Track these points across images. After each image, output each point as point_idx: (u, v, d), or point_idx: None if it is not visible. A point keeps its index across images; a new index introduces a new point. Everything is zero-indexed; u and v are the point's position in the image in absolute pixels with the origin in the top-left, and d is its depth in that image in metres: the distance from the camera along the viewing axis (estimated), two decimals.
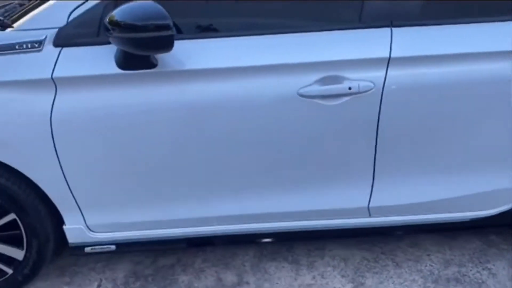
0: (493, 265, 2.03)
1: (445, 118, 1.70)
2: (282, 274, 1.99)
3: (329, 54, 1.63)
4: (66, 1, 1.61)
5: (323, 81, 1.62)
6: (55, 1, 1.63)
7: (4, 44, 1.57)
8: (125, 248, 1.87)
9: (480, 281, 1.94)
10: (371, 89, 1.63)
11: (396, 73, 1.64)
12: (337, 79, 1.63)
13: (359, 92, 1.63)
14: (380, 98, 1.65)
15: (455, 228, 2.08)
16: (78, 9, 1.58)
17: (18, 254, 1.81)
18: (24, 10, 1.82)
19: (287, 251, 2.13)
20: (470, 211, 1.91)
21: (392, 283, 1.93)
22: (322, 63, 1.62)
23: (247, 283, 1.94)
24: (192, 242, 1.92)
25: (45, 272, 1.98)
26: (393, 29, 1.65)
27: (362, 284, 1.93)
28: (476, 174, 1.82)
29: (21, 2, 2.16)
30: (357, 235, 2.09)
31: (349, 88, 1.62)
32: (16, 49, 1.57)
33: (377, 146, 1.72)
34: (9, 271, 1.84)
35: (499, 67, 1.65)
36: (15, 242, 1.80)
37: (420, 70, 1.64)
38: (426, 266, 2.03)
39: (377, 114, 1.67)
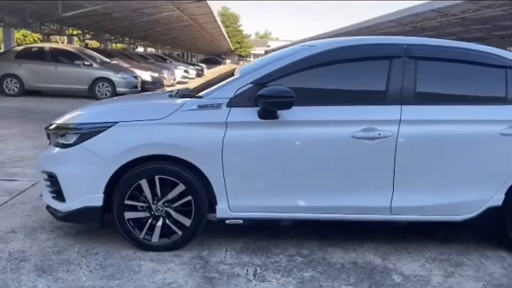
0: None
1: (434, 153, 3.11)
2: None
3: (370, 116, 3.10)
4: (233, 83, 3.16)
5: (365, 130, 3.08)
6: (227, 81, 3.19)
7: (203, 104, 3.09)
8: (247, 223, 3.19)
9: None
10: (390, 135, 3.08)
11: (404, 128, 3.09)
12: (372, 129, 3.08)
13: (384, 137, 3.07)
14: (396, 141, 3.08)
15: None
16: (240, 88, 3.12)
17: (187, 222, 3.15)
18: (201, 85, 3.39)
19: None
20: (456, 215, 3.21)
21: None
22: (366, 121, 3.09)
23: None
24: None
25: (192, 243, 3.26)
26: (402, 106, 3.14)
27: None
28: (457, 189, 3.16)
29: (188, 88, 3.75)
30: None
31: (379, 134, 3.07)
32: (209, 107, 3.09)
33: (395, 167, 3.11)
34: (180, 233, 3.16)
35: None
36: (186, 214, 3.14)
37: (417, 127, 3.10)
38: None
39: (394, 149, 3.09)
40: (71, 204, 3.11)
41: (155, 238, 3.15)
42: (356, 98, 3.23)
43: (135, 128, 3.08)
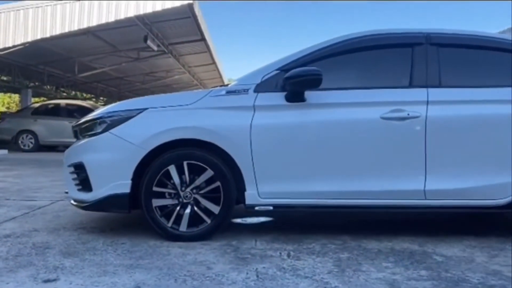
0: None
1: (464, 133, 3.07)
2: None
3: (398, 98, 3.11)
4: (260, 70, 3.22)
5: (394, 111, 3.07)
6: (257, 69, 3.25)
7: (231, 90, 3.13)
8: (277, 209, 3.09)
9: None
10: (419, 116, 3.06)
11: (431, 108, 3.08)
12: (401, 110, 3.07)
13: (413, 117, 3.06)
14: (425, 121, 3.06)
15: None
16: (267, 74, 3.17)
17: (215, 209, 3.06)
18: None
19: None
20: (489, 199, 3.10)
21: None
22: (394, 102, 3.09)
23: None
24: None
25: (219, 236, 3.16)
26: (428, 88, 3.15)
27: None
28: (490, 171, 3.08)
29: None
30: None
31: (408, 114, 3.06)
32: (236, 93, 3.12)
33: (426, 148, 3.06)
34: (208, 220, 3.06)
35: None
36: (215, 201, 3.06)
37: (441, 107, 3.09)
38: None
39: (424, 130, 3.06)
40: (98, 192, 3.06)
41: (183, 226, 3.05)
42: (383, 82, 3.26)
43: (164, 114, 3.09)
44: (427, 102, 3.10)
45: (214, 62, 21.54)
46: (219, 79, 27.13)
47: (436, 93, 3.13)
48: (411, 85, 3.19)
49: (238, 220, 3.83)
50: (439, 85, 3.17)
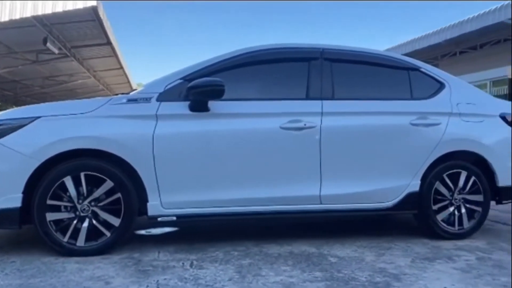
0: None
1: (355, 142, 3.33)
2: None
3: (296, 109, 3.27)
4: (162, 79, 3.20)
5: (292, 121, 3.23)
6: (158, 79, 3.22)
7: (132, 98, 3.08)
8: (180, 219, 3.08)
9: None
10: (315, 126, 3.26)
11: (325, 119, 3.29)
12: (299, 121, 3.24)
13: (310, 127, 3.24)
14: (320, 131, 3.26)
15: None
16: (169, 84, 3.16)
17: (115, 221, 2.97)
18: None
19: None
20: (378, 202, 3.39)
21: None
22: (292, 113, 3.25)
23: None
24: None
25: (122, 245, 3.07)
26: (323, 100, 3.37)
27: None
28: (379, 176, 3.36)
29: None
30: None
31: (305, 124, 3.24)
32: (138, 101, 3.07)
33: (321, 155, 3.26)
34: (108, 233, 2.96)
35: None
36: (115, 213, 2.97)
37: (335, 118, 3.32)
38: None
39: (319, 139, 3.26)
40: None
41: (81, 241, 2.91)
42: (283, 94, 3.40)
43: (60, 122, 2.95)
44: (322, 113, 3.31)
45: (121, 67, 20.79)
46: (127, 84, 26.23)
47: (330, 105, 3.35)
48: (307, 97, 3.38)
49: (142, 232, 3.76)
50: (333, 98, 3.40)
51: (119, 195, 2.97)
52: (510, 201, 3.74)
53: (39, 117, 2.94)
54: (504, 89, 11.86)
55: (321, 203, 3.30)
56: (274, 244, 3.30)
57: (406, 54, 12.21)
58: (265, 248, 3.19)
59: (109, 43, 15.22)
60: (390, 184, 3.41)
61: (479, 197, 3.57)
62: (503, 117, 3.71)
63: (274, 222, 4.08)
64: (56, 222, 2.90)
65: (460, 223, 3.53)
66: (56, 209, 2.90)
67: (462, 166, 3.54)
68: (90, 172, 2.93)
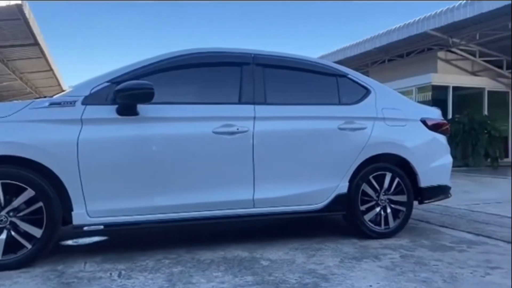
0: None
1: (286, 146, 3.38)
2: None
3: (229, 113, 3.27)
4: (88, 82, 3.07)
5: (225, 125, 3.22)
6: (84, 82, 3.08)
7: (55, 102, 2.92)
8: (108, 228, 2.97)
9: None
10: (248, 130, 3.27)
11: (258, 123, 3.32)
12: (231, 125, 3.24)
13: (242, 132, 3.25)
14: (252, 135, 3.28)
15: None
16: (96, 87, 3.04)
17: (37, 232, 2.80)
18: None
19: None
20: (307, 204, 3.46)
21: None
22: (225, 117, 3.24)
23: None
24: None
25: (45, 257, 2.90)
26: (255, 105, 3.39)
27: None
28: (309, 179, 3.44)
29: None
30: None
31: (237, 129, 3.24)
32: (61, 105, 2.92)
33: (254, 159, 3.28)
34: (29, 245, 2.78)
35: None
36: (37, 223, 2.80)
37: (267, 123, 3.35)
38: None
39: (252, 143, 3.28)
40: None
41: None
42: (216, 98, 3.39)
43: None
44: (254, 118, 3.33)
45: (51, 69, 19.76)
46: (58, 87, 25.00)
47: (262, 110, 3.38)
48: (240, 102, 3.39)
49: (69, 242, 3.58)
50: (265, 102, 3.44)
51: (41, 204, 2.80)
52: (432, 200, 3.98)
53: None
54: (428, 95, 12.62)
55: (254, 207, 3.31)
56: (207, 250, 3.27)
57: (339, 61, 12.68)
58: (198, 254, 3.15)
59: (36, 43, 14.43)
60: (320, 186, 3.50)
61: (403, 198, 3.76)
62: (423, 121, 3.95)
63: (208, 227, 4.05)
64: None
65: (386, 222, 3.69)
66: None
67: (386, 168, 3.71)
68: (7, 180, 2.74)
